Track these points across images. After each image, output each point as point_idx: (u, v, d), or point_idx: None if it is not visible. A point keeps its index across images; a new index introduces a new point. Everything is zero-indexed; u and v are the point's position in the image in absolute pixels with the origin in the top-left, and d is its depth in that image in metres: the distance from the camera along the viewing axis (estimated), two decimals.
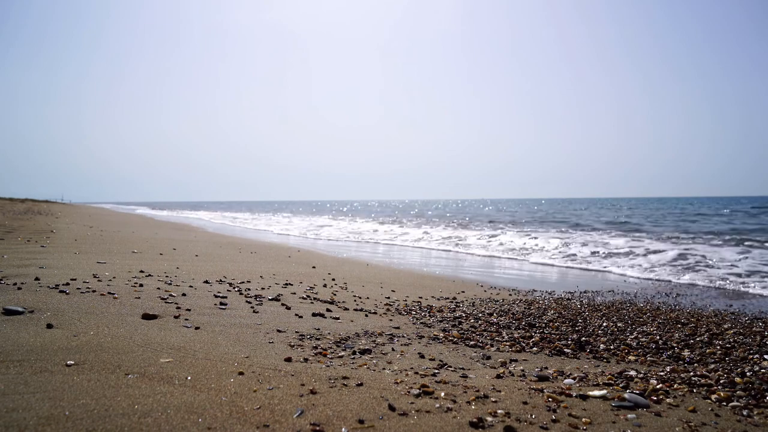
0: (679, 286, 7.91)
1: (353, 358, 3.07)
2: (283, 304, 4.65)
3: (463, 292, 6.42)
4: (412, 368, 2.90)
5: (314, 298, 5.15)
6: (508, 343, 3.71)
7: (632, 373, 2.98)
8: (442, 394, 2.40)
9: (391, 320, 4.39)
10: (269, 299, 4.84)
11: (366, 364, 2.92)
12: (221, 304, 4.40)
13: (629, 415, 2.27)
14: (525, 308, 5.31)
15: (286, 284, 5.95)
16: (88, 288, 4.54)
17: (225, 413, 2.03)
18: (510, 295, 6.39)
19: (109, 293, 4.39)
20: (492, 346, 3.63)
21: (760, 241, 14.70)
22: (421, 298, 5.74)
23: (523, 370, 2.98)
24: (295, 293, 5.36)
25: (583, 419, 2.20)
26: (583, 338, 3.95)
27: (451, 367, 2.99)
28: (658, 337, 4.08)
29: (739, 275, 8.70)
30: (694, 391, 2.71)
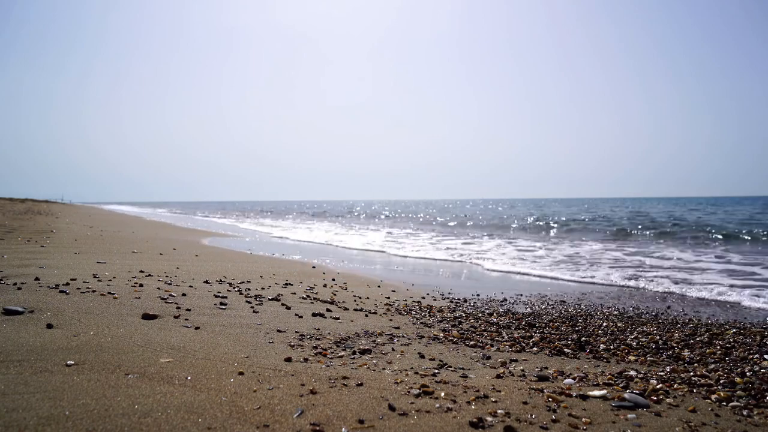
0: None
1: (353, 358, 3.06)
2: (283, 304, 4.65)
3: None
4: (412, 368, 2.90)
5: (314, 298, 5.15)
6: (508, 343, 3.70)
7: (632, 373, 2.98)
8: (442, 394, 2.40)
9: (391, 320, 4.39)
10: (269, 299, 4.84)
11: (366, 364, 2.91)
12: (221, 304, 4.40)
13: (629, 415, 2.27)
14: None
15: (286, 284, 5.95)
16: (88, 288, 4.54)
17: (225, 413, 2.03)
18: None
19: (109, 293, 4.39)
20: (492, 346, 3.63)
21: None
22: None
23: (523, 370, 2.97)
24: (295, 293, 5.36)
25: (583, 419, 2.20)
26: (583, 338, 3.95)
27: (451, 367, 2.98)
28: (658, 337, 4.08)
29: None
30: (694, 391, 2.71)
